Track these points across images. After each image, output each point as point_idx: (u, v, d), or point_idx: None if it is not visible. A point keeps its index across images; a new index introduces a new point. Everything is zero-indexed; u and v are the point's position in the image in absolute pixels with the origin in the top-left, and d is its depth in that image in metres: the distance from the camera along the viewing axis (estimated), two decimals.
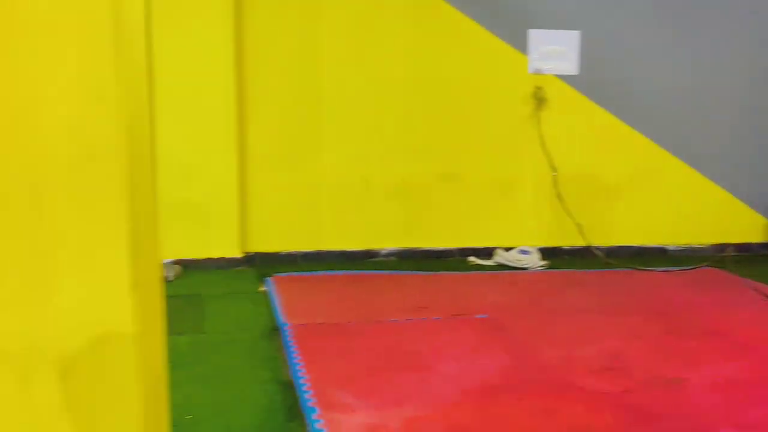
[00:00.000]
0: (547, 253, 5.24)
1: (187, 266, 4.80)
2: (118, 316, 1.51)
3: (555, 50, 5.25)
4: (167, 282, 4.69)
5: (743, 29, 5.43)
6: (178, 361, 2.75)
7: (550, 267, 5.08)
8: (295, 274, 4.72)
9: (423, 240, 5.26)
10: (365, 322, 3.78)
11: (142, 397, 1.56)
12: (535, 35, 5.23)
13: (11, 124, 1.42)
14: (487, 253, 5.22)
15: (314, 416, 2.62)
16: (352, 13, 4.98)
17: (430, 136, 5.18)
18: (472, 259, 5.19)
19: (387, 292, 4.39)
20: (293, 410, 2.73)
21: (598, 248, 5.27)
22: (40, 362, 1.48)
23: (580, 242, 5.30)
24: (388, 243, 5.21)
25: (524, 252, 5.16)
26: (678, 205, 5.51)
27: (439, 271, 4.86)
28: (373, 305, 4.10)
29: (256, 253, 5.02)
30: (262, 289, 4.41)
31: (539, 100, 5.24)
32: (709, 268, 5.07)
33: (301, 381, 2.94)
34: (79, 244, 1.49)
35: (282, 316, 3.80)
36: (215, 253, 4.92)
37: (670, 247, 5.57)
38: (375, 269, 4.90)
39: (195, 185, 4.78)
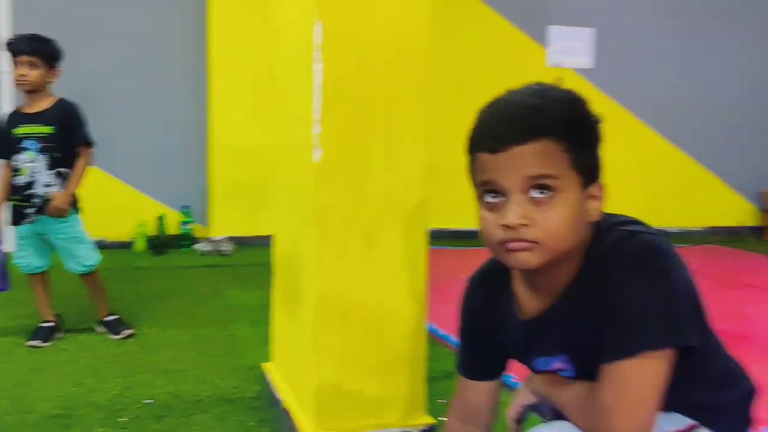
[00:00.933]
0: None
1: (239, 243, 4.98)
2: (415, 199, 1.76)
3: (572, 45, 5.71)
4: (226, 255, 4.86)
5: (745, 32, 6.03)
6: None
7: None
8: None
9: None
10: None
11: (425, 265, 1.80)
12: (554, 31, 5.67)
13: (346, 21, 1.66)
14: None
15: None
16: None
17: (453, 125, 5.50)
18: None
19: None
20: None
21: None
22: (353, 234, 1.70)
23: None
24: None
25: None
26: (675, 191, 6.01)
27: None
28: None
29: None
30: None
31: None
32: (708, 245, 5.58)
33: None
34: (388, 133, 1.73)
35: None
36: (264, 231, 5.09)
37: (671, 229, 6.06)
38: None
39: (248, 167, 4.95)
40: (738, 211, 6.24)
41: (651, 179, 5.93)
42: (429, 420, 1.75)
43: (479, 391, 1.20)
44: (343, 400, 1.66)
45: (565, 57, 5.71)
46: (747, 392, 1.16)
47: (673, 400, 1.04)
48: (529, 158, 0.96)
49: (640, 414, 0.96)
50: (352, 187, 1.65)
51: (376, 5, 1.66)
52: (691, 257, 1.12)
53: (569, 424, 1.04)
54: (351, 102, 1.66)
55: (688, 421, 1.08)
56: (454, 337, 2.75)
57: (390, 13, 1.67)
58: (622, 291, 0.97)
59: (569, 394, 1.06)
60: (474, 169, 1.04)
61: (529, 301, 1.11)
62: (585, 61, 5.75)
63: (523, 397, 1.16)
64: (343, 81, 1.65)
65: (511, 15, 5.57)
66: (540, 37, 5.66)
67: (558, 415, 1.10)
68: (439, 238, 5.24)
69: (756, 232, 6.21)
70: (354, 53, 1.65)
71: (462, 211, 5.03)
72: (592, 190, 1.02)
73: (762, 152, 6.26)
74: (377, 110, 1.69)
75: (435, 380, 1.96)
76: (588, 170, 1.01)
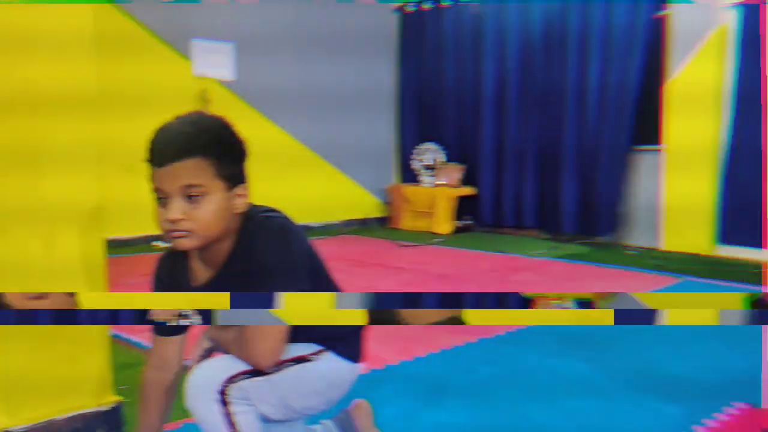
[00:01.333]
0: None
1: None
2: (90, 205, 1.97)
3: (215, 58, 6.11)
4: None
5: (369, 49, 7.04)
6: None
7: None
8: None
9: None
10: None
11: (103, 265, 2.02)
12: (197, 44, 6.01)
13: (15, 39, 1.80)
14: None
15: None
16: None
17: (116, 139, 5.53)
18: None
19: None
20: None
21: None
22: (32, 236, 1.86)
23: None
24: None
25: None
26: (313, 190, 6.80)
27: None
28: None
29: None
30: None
31: (205, 101, 6.03)
32: (345, 235, 6.48)
33: None
34: (60, 143, 1.91)
35: None
36: None
37: (314, 224, 6.85)
38: None
39: None
40: (367, 205, 7.29)
41: (292, 180, 6.60)
42: (116, 399, 1.97)
43: (169, 345, 1.51)
44: (34, 390, 1.80)
45: (209, 69, 6.09)
46: (360, 326, 1.65)
47: (306, 334, 1.49)
48: (183, 172, 1.34)
49: (271, 341, 1.40)
50: (28, 191, 1.79)
51: (40, 26, 1.82)
52: (332, 246, 1.59)
53: (230, 356, 1.44)
54: (24, 113, 1.80)
55: (316, 347, 1.54)
56: (125, 335, 2.95)
57: (55, 33, 1.85)
58: (260, 257, 1.39)
59: (229, 335, 1.46)
60: (151, 176, 1.37)
61: (200, 272, 1.49)
62: (227, 72, 6.19)
63: (202, 344, 1.51)
64: (13, 92, 1.78)
65: (159, 29, 5.77)
66: (187, 50, 5.95)
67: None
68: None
69: (381, 221, 7.33)
70: (22, 66, 1.79)
71: (127, 221, 5.13)
72: (237, 191, 1.42)
73: (382, 153, 7.42)
74: (49, 122, 1.85)
75: (114, 371, 2.17)
76: (232, 177, 1.40)
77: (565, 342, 3.07)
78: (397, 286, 4.28)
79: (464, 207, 6.90)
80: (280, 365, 1.46)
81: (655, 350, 2.98)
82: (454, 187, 6.91)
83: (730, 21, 5.24)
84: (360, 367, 1.64)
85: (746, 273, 4.66)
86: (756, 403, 2.31)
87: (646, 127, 5.76)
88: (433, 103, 7.24)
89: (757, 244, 5.03)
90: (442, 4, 7.04)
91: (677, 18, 5.48)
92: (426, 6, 7.17)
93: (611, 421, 2.23)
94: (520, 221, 6.64)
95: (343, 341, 1.59)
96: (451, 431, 2.13)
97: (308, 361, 1.52)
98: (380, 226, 7.27)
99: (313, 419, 1.73)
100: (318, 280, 1.52)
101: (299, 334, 1.46)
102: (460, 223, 6.84)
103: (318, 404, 1.57)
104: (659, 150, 5.67)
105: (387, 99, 7.49)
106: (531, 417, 2.24)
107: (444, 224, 6.73)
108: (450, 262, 5.25)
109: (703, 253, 5.39)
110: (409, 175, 7.38)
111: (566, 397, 2.41)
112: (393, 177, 7.57)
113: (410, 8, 7.29)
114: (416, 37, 7.30)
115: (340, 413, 1.78)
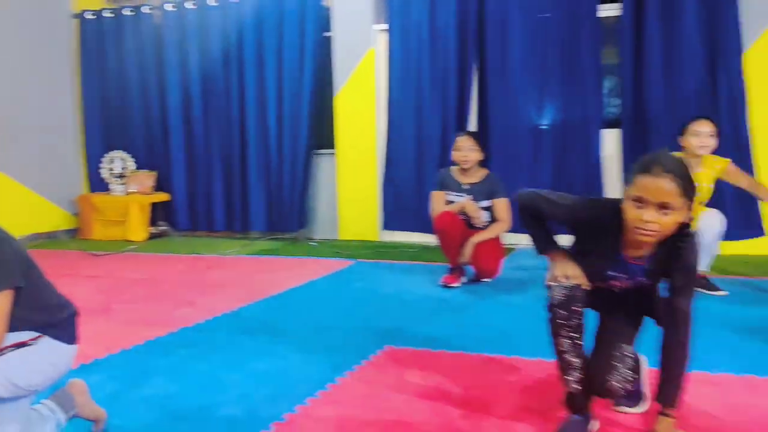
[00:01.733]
0: None
1: None
2: None
3: None
4: None
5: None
6: None
7: None
8: None
9: None
10: None
11: None
12: None
13: None
14: None
15: None
16: None
17: None
18: None
19: None
20: None
21: None
22: None
23: None
24: None
25: None
26: None
27: None
28: None
29: None
30: None
31: None
32: (34, 249, 6.30)
33: None
34: None
35: None
36: None
37: None
38: None
39: None
40: (54, 218, 7.09)
41: None
42: None
43: None
44: None
45: None
46: (73, 314, 1.97)
47: (29, 324, 1.79)
48: None
49: None
50: None
51: None
52: None
53: None
54: None
55: (34, 334, 1.84)
56: None
57: None
58: None
59: None
60: None
61: None
62: None
63: None
64: None
65: None
66: None
67: None
68: None
69: (71, 233, 7.19)
70: None
71: None
72: None
73: (68, 164, 7.26)
74: None
75: None
76: None
77: (250, 324, 3.60)
78: (93, 293, 4.43)
79: (159, 213, 7.10)
80: (2, 351, 1.73)
81: (322, 319, 3.65)
82: (147, 194, 7.06)
83: (380, 43, 6.25)
84: (75, 349, 1.96)
85: (403, 253, 5.68)
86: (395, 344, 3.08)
87: (324, 133, 6.57)
88: (119, 110, 7.28)
89: (410, 228, 6.14)
90: (124, 12, 7.13)
91: (339, 39, 6.35)
92: (107, 14, 7.19)
93: (288, 373, 2.80)
94: (212, 224, 7.04)
95: (57, 327, 1.90)
96: (155, 402, 2.50)
97: (28, 345, 1.81)
98: (70, 237, 7.13)
99: (36, 400, 1.99)
100: (33, 278, 1.82)
101: (18, 322, 1.75)
102: (155, 230, 7.03)
103: (42, 382, 1.86)
104: (334, 153, 6.52)
105: (69, 108, 7.33)
106: (221, 379, 2.72)
107: (138, 231, 6.87)
108: (145, 266, 5.47)
109: (370, 239, 6.36)
110: (99, 185, 7.34)
111: (252, 362, 2.93)
112: (81, 187, 7.44)
113: (90, 15, 7.24)
114: (97, 44, 7.27)
115: (58, 391, 2.07)
